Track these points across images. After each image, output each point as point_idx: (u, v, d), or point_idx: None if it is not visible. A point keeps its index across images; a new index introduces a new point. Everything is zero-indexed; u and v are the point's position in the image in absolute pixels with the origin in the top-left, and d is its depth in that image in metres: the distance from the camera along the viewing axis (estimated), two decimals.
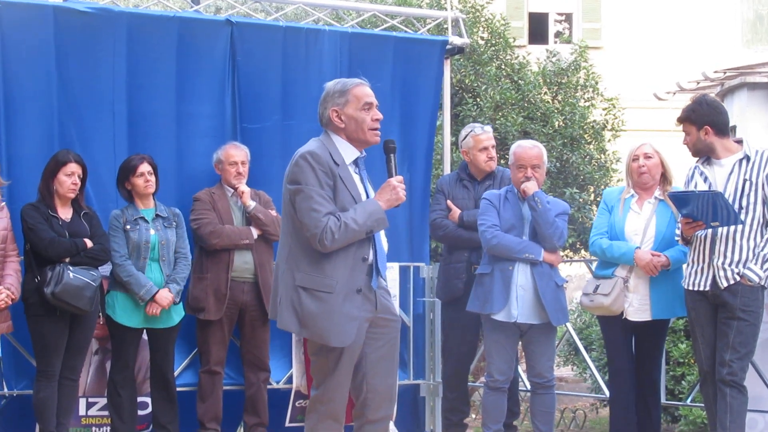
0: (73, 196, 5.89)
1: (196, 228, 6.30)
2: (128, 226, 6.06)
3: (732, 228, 5.31)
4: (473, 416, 7.81)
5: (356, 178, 4.53)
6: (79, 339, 5.89)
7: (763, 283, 5.32)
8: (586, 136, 10.27)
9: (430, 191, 7.45)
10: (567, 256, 10.11)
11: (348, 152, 4.51)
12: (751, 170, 5.37)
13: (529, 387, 6.19)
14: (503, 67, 10.44)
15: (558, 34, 18.23)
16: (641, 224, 5.86)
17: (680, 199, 5.41)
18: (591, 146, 10.32)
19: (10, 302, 5.65)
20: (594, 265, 6.49)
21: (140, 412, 6.30)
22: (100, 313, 6.00)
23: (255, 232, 6.36)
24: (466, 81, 10.11)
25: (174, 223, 6.22)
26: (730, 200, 5.32)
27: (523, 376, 6.91)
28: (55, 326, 5.75)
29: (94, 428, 6.34)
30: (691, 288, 5.48)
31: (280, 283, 4.49)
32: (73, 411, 6.07)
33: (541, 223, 5.85)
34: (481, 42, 10.43)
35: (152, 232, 6.10)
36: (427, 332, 7.11)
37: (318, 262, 4.38)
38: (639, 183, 5.92)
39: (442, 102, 7.50)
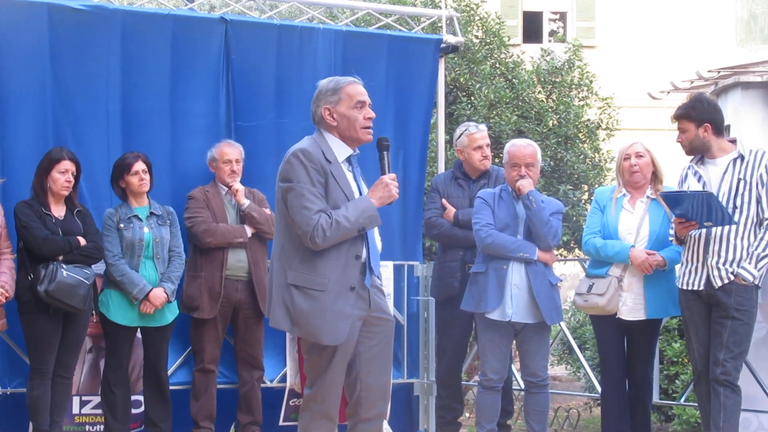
0: (66, 193, 5.88)
1: (190, 226, 6.29)
2: (122, 225, 6.05)
3: (726, 227, 5.32)
4: (467, 415, 7.81)
5: (349, 175, 4.53)
6: (72, 337, 5.88)
7: (756, 282, 5.33)
8: (580, 135, 10.27)
9: (424, 189, 7.45)
10: (561, 254, 10.10)
11: (340, 150, 4.51)
12: (745, 170, 5.38)
13: (522, 386, 6.20)
14: (497, 65, 10.43)
15: (552, 33, 18.23)
16: (634, 223, 5.86)
17: (673, 199, 5.41)
18: (585, 145, 10.32)
19: (4, 300, 5.64)
20: (587, 264, 6.50)
21: (134, 411, 6.29)
22: (93, 311, 5.99)
23: (249, 231, 6.36)
24: (461, 79, 10.10)
25: (168, 221, 6.22)
26: (725, 199, 5.33)
27: (517, 375, 6.91)
28: (48, 324, 5.74)
29: (87, 426, 6.33)
30: (685, 287, 5.49)
31: (273, 281, 4.49)
32: (66, 409, 6.06)
33: (535, 222, 5.85)
34: (476, 40, 10.43)
35: (146, 230, 6.10)
36: (421, 331, 7.11)
37: (310, 260, 4.38)
38: (630, 182, 5.92)
39: (437, 100, 7.50)
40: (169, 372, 6.37)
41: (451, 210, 6.61)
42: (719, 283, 5.33)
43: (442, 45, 7.36)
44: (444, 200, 6.67)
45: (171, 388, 6.29)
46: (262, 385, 6.54)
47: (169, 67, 6.55)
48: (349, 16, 8.31)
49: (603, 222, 5.95)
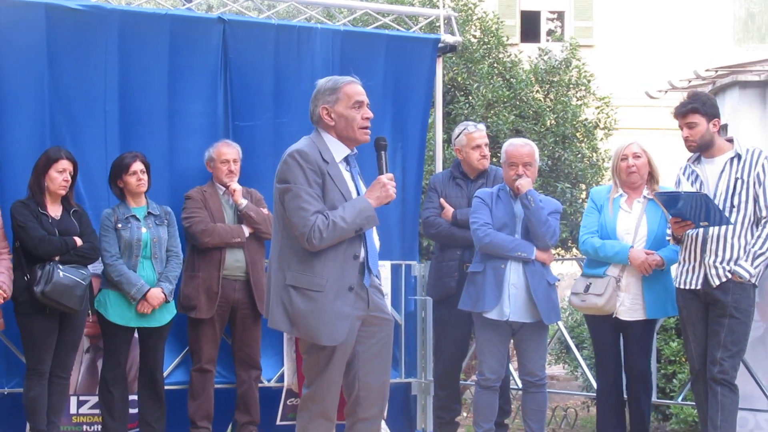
0: (63, 193, 5.88)
1: (188, 226, 6.29)
2: (119, 225, 6.04)
3: (723, 226, 5.33)
4: (465, 414, 7.81)
5: (347, 175, 4.52)
6: (69, 337, 5.88)
7: (753, 281, 5.34)
8: (578, 134, 10.27)
9: (422, 189, 7.45)
10: (559, 254, 10.11)
11: (338, 150, 4.50)
12: (742, 169, 5.39)
13: (520, 385, 6.20)
14: (495, 65, 10.43)
15: (550, 33, 18.22)
16: (632, 223, 5.86)
17: (668, 200, 5.41)
18: (583, 144, 10.32)
19: (2, 300, 5.63)
20: (584, 264, 6.49)
21: (131, 411, 6.28)
22: (90, 311, 5.99)
23: (246, 231, 6.35)
24: (458, 79, 10.10)
25: (165, 221, 6.22)
26: (722, 198, 5.34)
27: (515, 374, 6.91)
28: (44, 324, 5.73)
29: (85, 426, 6.33)
30: (682, 286, 5.49)
31: (271, 282, 4.49)
32: (63, 409, 6.05)
33: (533, 222, 5.85)
34: (474, 40, 10.43)
35: (144, 230, 6.09)
36: (419, 330, 7.10)
37: (308, 261, 4.37)
38: (627, 182, 5.91)
39: (434, 100, 7.50)
40: (167, 372, 6.38)
41: (450, 209, 6.61)
42: (716, 282, 5.34)
43: (440, 44, 7.37)
44: (442, 200, 6.67)
45: (168, 388, 6.30)
46: (260, 385, 6.54)
47: (166, 66, 6.54)
48: (347, 15, 8.30)
49: (600, 222, 5.94)
